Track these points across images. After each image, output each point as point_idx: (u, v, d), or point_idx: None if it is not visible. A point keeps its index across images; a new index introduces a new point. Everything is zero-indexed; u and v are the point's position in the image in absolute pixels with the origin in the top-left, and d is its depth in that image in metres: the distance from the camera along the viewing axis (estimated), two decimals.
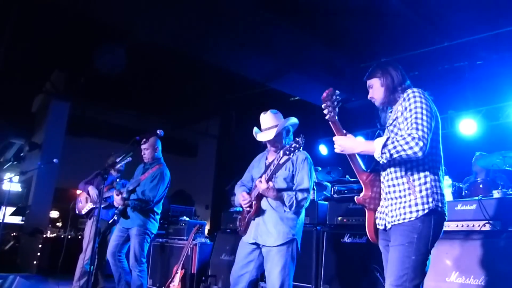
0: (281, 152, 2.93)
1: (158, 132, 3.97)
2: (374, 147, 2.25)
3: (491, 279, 3.32)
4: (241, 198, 3.25)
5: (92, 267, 4.21)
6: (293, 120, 3.33)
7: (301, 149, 2.92)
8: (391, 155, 2.19)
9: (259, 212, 3.18)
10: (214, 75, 8.98)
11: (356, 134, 2.46)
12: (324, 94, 2.41)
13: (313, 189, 5.77)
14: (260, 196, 3.17)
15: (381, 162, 2.27)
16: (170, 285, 5.28)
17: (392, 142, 2.20)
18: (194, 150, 14.65)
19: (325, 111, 2.42)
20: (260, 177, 3.06)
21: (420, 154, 2.17)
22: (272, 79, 8.25)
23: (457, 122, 7.48)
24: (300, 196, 3.09)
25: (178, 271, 5.30)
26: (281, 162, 2.95)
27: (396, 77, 2.46)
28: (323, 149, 9.33)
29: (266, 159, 3.34)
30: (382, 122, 2.64)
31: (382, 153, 2.21)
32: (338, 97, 2.40)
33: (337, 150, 2.42)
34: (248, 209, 3.22)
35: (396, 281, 2.21)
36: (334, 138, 2.43)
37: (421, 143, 2.16)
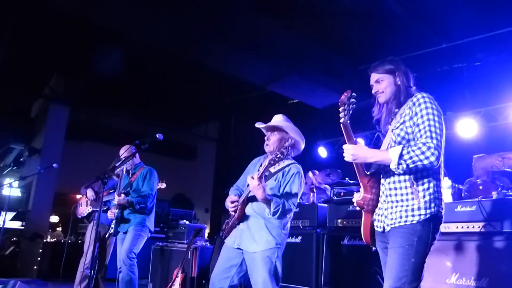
0: (269, 157, 2.92)
1: (157, 136, 3.95)
2: (390, 158, 2.22)
3: (491, 281, 3.32)
4: (228, 200, 3.20)
5: (92, 271, 4.19)
6: (292, 132, 3.29)
7: (284, 160, 2.92)
8: (407, 165, 2.18)
9: (243, 218, 3.14)
10: (213, 78, 9.00)
11: (355, 136, 2.42)
12: (343, 97, 2.34)
13: (313, 191, 5.79)
14: (245, 202, 3.14)
15: (396, 172, 2.24)
16: None
17: (408, 153, 2.18)
18: (194, 153, 14.66)
19: (341, 114, 2.34)
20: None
21: (435, 163, 2.17)
22: (271, 82, 8.27)
23: (456, 123, 7.49)
24: (287, 205, 3.02)
25: (179, 274, 5.29)
26: (268, 165, 2.91)
27: (409, 78, 2.45)
28: (322, 152, 9.32)
29: (261, 165, 3.30)
30: (377, 120, 2.61)
31: (399, 164, 2.19)
32: (354, 100, 2.33)
33: (347, 159, 2.35)
34: (233, 213, 3.18)
35: (395, 283, 2.20)
36: (345, 147, 2.35)
37: (436, 153, 2.16)
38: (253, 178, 2.93)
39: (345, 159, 2.37)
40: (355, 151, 2.32)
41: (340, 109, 2.34)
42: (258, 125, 3.29)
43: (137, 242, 4.50)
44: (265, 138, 3.29)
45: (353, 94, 2.33)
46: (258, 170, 3.01)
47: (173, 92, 10.44)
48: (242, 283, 3.23)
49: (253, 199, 3.14)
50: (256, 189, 2.92)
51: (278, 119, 3.31)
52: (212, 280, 3.13)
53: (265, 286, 2.93)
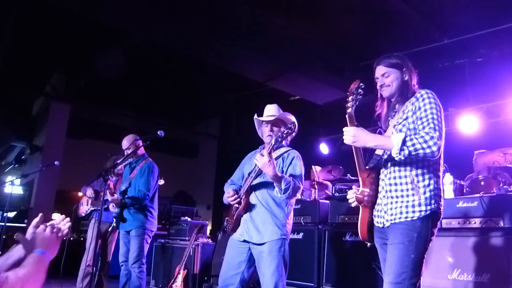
0: (273, 139, 2.89)
1: (158, 133, 3.94)
2: (392, 143, 2.19)
3: (493, 276, 3.32)
4: (228, 194, 3.16)
5: (94, 268, 4.19)
6: (293, 118, 3.29)
7: (293, 134, 2.89)
8: (409, 152, 2.15)
9: (248, 207, 3.11)
10: (214, 75, 9.00)
11: None
12: (352, 86, 2.31)
13: (314, 187, 5.79)
14: (249, 191, 3.11)
15: (396, 158, 2.20)
16: (173, 285, 5.29)
17: (411, 139, 2.17)
18: (195, 150, 14.66)
19: (348, 104, 2.31)
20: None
21: (436, 153, 2.16)
22: (272, 78, 8.25)
23: (458, 119, 7.47)
24: (296, 183, 3.00)
25: (181, 271, 5.31)
26: (274, 143, 2.89)
27: (415, 76, 2.45)
28: (324, 148, 9.32)
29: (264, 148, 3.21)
30: (378, 115, 2.59)
31: (401, 150, 2.15)
32: (361, 90, 2.31)
33: (347, 141, 2.29)
34: (237, 206, 3.15)
35: (395, 278, 2.20)
36: (345, 129, 2.30)
37: (439, 143, 2.16)
38: (263, 155, 2.88)
39: (345, 141, 2.31)
40: (356, 132, 2.28)
41: (349, 98, 2.32)
42: (266, 117, 3.25)
43: (143, 249, 4.48)
44: (268, 130, 3.22)
45: (361, 84, 2.31)
46: (265, 147, 2.98)
47: (174, 90, 10.44)
48: (253, 278, 3.22)
49: (256, 187, 3.13)
50: (266, 166, 2.86)
51: (275, 111, 3.28)
52: (222, 277, 3.10)
53: (272, 280, 2.92)
